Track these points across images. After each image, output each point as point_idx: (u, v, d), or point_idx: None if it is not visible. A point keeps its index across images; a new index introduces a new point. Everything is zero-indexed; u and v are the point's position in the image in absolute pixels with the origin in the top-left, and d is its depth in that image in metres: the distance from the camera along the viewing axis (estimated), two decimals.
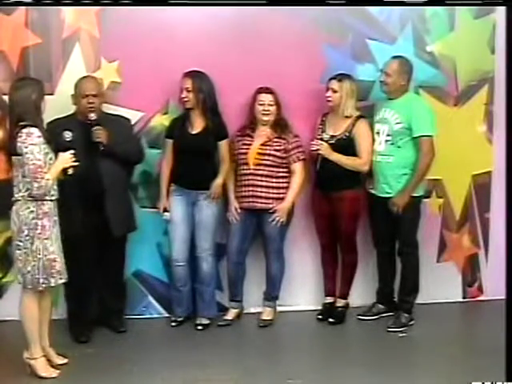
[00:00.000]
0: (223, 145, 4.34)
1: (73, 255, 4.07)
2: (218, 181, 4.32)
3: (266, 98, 4.32)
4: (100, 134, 3.95)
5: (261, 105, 4.32)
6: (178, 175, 4.33)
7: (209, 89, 4.25)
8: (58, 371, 3.68)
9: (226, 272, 4.53)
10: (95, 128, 3.95)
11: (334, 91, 4.29)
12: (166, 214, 4.34)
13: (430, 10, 4.64)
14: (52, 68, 4.32)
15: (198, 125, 4.29)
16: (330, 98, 4.31)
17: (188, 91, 4.22)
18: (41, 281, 3.53)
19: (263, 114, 4.32)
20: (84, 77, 4.16)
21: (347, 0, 4.46)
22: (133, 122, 4.34)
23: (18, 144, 3.44)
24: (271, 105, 4.32)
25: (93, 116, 3.98)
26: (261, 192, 4.31)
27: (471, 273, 4.97)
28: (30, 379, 3.63)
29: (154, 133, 4.46)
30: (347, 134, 4.31)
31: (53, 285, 3.59)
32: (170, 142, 4.33)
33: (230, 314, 4.51)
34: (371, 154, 4.33)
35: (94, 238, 4.08)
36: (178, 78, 4.26)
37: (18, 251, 3.53)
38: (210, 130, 4.26)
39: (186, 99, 4.23)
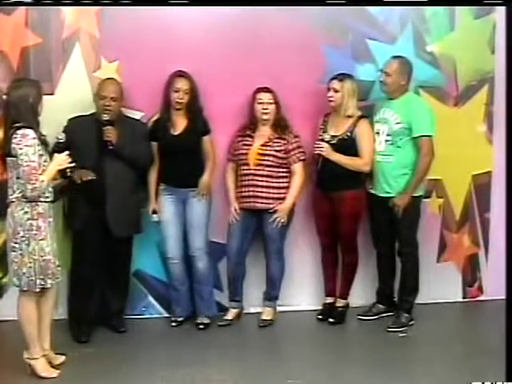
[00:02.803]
0: (207, 140, 4.34)
1: (78, 254, 4.11)
2: (205, 177, 4.33)
3: (265, 97, 4.32)
4: (110, 134, 3.99)
5: (260, 103, 4.32)
6: (166, 174, 4.32)
7: (197, 88, 4.27)
8: (58, 371, 3.68)
9: (226, 272, 4.53)
10: (106, 128, 3.99)
11: (336, 91, 4.29)
12: (154, 215, 4.34)
13: (430, 9, 4.64)
14: (52, 68, 4.32)
15: (179, 125, 4.28)
16: (331, 98, 4.30)
17: (186, 93, 4.22)
18: (37, 282, 3.52)
19: (263, 113, 4.32)
20: (107, 78, 4.19)
21: (347, 0, 4.46)
22: None
23: (13, 145, 3.43)
24: (270, 103, 4.32)
25: (106, 116, 4.01)
26: (261, 192, 4.31)
27: (471, 273, 4.97)
28: (29, 379, 3.63)
29: None
30: (348, 134, 4.31)
31: (49, 286, 3.58)
32: (154, 144, 4.30)
33: (230, 314, 4.51)
34: (372, 155, 4.32)
35: (100, 236, 4.09)
36: None
37: (13, 253, 3.52)
38: (191, 128, 4.27)
39: (181, 101, 4.22)
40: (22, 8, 4.24)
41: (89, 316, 4.22)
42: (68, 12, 4.31)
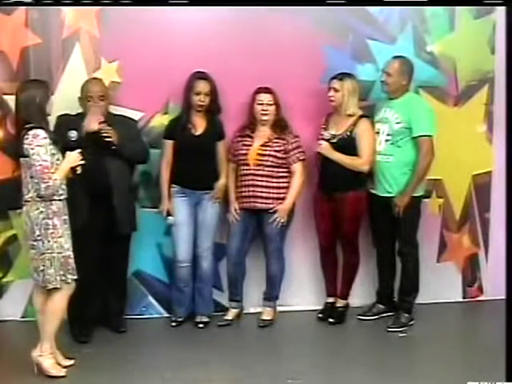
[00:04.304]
0: (221, 145, 4.36)
1: (78, 254, 4.11)
2: (222, 181, 4.35)
3: (265, 98, 4.32)
4: (110, 134, 3.96)
5: (260, 104, 4.32)
6: (181, 176, 4.30)
7: (217, 89, 4.28)
8: (64, 370, 3.67)
9: (226, 272, 4.53)
10: (105, 128, 3.94)
11: (336, 90, 4.29)
12: (169, 218, 4.31)
13: (430, 9, 4.64)
14: (52, 68, 4.32)
15: (199, 126, 4.29)
16: (332, 98, 4.30)
17: (206, 95, 4.22)
18: (58, 278, 3.55)
19: (262, 114, 4.32)
20: (90, 79, 4.17)
21: (347, 0, 4.46)
22: None
23: (25, 146, 3.48)
24: (270, 104, 4.32)
25: (101, 118, 3.98)
26: (261, 192, 4.31)
27: (471, 273, 4.97)
28: (29, 379, 3.62)
29: (154, 133, 4.45)
30: (348, 133, 4.30)
31: (69, 281, 3.61)
32: (169, 143, 4.30)
33: (230, 314, 4.51)
34: (372, 154, 4.32)
35: (99, 236, 4.09)
36: (178, 79, 4.26)
37: (32, 250, 3.56)
38: (211, 130, 4.29)
39: (203, 103, 4.23)
40: (22, 8, 4.24)
41: (89, 316, 4.21)
42: (68, 12, 4.30)
